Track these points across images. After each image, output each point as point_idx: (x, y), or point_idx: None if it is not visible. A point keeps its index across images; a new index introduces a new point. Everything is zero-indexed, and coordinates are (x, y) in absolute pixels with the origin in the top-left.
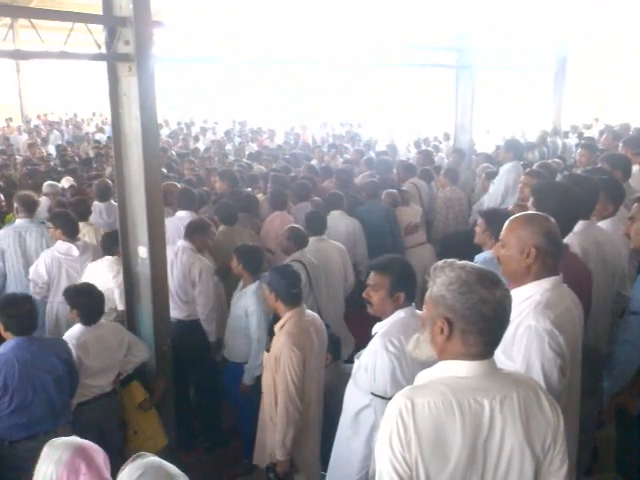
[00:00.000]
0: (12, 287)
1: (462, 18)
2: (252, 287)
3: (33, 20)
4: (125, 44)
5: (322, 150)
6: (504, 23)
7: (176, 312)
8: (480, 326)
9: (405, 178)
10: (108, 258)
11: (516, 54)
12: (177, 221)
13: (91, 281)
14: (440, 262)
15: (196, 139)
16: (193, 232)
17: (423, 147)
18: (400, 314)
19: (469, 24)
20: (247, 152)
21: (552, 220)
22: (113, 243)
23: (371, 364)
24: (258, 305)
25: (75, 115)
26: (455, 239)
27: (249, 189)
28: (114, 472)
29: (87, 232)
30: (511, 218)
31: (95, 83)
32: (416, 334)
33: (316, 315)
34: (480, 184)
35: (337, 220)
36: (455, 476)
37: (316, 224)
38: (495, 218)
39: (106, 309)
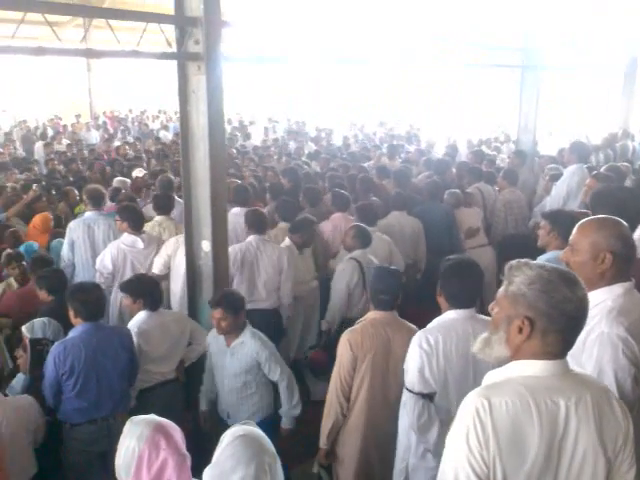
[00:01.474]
0: (80, 276)
1: (527, 17)
2: (247, 333)
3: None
4: (195, 43)
5: (380, 150)
6: (571, 22)
7: (259, 304)
8: (562, 325)
9: (471, 182)
10: None
11: (584, 54)
12: (232, 217)
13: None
14: (514, 261)
15: (247, 137)
16: (262, 225)
17: (480, 147)
18: (451, 315)
19: (535, 23)
20: (306, 151)
21: (624, 223)
22: None
23: (407, 358)
24: (268, 347)
25: (142, 112)
26: (513, 241)
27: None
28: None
29: (167, 226)
30: (581, 222)
31: (160, 82)
32: (484, 334)
33: (410, 326)
34: (543, 186)
35: (401, 219)
36: (531, 475)
37: (369, 215)
38: (560, 219)
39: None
